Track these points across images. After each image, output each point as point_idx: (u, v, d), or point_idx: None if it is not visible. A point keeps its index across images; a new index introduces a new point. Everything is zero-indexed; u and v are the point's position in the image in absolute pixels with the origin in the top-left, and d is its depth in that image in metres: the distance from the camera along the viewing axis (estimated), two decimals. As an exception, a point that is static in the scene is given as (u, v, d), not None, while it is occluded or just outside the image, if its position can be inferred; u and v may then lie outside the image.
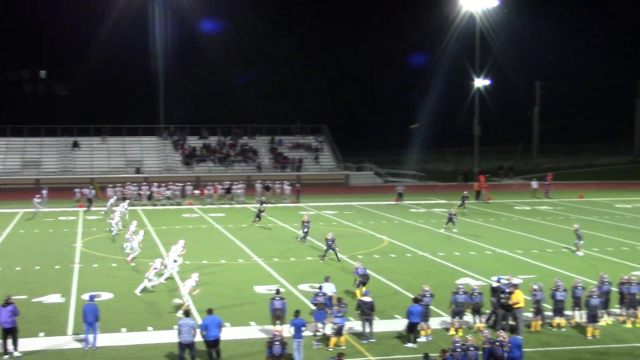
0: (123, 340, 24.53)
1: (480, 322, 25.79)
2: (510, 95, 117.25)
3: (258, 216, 50.38)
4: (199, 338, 22.38)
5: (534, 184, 72.21)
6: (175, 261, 33.34)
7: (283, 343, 21.09)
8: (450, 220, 48.26)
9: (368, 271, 30.70)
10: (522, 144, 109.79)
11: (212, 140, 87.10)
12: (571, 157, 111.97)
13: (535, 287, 26.36)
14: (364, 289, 29.27)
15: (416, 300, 25.07)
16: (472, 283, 30.27)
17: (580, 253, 39.33)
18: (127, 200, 57.05)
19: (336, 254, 37.66)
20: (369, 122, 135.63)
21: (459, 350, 20.19)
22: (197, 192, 66.41)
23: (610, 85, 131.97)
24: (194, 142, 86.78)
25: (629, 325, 26.20)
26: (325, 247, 37.97)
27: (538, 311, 25.90)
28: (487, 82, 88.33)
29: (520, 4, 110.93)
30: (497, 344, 20.87)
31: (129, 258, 37.73)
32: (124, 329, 25.66)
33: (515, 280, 27.28)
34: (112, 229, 45.77)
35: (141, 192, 63.78)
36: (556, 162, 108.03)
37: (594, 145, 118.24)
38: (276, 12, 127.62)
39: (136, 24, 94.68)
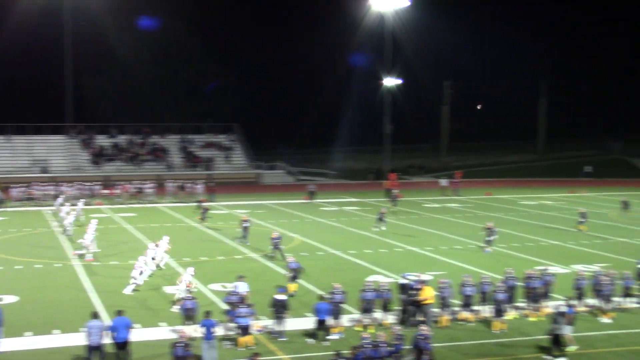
0: (28, 345, 23.84)
1: (389, 319, 26.09)
2: (420, 95, 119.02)
3: (204, 214, 50.35)
4: (107, 340, 21.92)
5: (443, 181, 73.52)
6: (153, 259, 33.36)
7: (186, 345, 20.69)
8: (380, 219, 48.32)
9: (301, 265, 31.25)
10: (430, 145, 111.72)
11: (122, 139, 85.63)
12: (479, 156, 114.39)
13: (442, 283, 26.83)
14: (293, 286, 29.49)
15: (322, 298, 25.24)
16: (382, 280, 30.53)
17: (488, 250, 40.17)
18: (82, 200, 56.04)
19: (281, 253, 37.26)
20: (281, 121, 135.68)
21: (368, 346, 20.36)
22: (106, 191, 65.20)
23: (515, 86, 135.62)
24: (102, 141, 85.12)
25: (533, 318, 26.90)
26: (271, 247, 37.79)
27: (445, 306, 26.37)
28: (398, 81, 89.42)
29: (430, 5, 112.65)
30: (422, 337, 21.23)
31: (89, 257, 37.20)
32: (29, 333, 24.95)
33: (424, 277, 27.67)
34: (67, 229, 45.01)
35: (48, 192, 62.27)
36: (464, 161, 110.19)
37: (501, 143, 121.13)
38: (187, 10, 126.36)
39: (44, 20, 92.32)
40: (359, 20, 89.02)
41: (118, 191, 63.15)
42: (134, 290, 30.47)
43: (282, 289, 25.50)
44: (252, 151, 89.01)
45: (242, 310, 23.90)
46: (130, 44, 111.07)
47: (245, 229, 42.62)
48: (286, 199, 67.22)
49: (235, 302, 24.84)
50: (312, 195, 66.09)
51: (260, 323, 25.20)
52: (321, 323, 24.44)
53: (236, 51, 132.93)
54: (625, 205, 57.34)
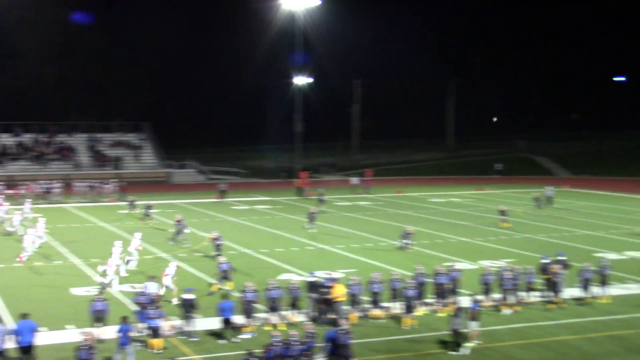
0: None
1: (297, 317, 26.25)
2: (331, 93, 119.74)
3: (148, 215, 49.82)
4: (11, 344, 21.28)
5: (354, 180, 74.16)
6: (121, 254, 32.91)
7: (90, 347, 20.18)
8: (311, 219, 47.89)
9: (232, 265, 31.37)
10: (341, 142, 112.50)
11: (27, 138, 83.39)
12: (389, 154, 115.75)
13: (352, 280, 27.08)
14: (215, 286, 29.21)
15: (226, 296, 25.17)
16: (294, 279, 30.60)
17: (409, 250, 40.21)
18: (29, 200, 54.59)
19: (219, 253, 36.41)
20: (192, 119, 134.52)
21: (278, 344, 20.38)
22: (10, 191, 63.42)
23: (424, 84, 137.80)
24: (6, 139, 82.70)
25: (442, 314, 27.39)
26: (214, 248, 37.07)
27: (355, 304, 26.62)
28: (308, 80, 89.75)
29: (341, 4, 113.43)
30: (342, 331, 21.41)
31: (23, 256, 36.54)
32: None
33: (335, 275, 27.83)
34: (9, 229, 44.52)
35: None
36: (375, 159, 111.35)
37: (410, 141, 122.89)
38: (97, 5, 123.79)
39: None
40: (269, 19, 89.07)
41: (23, 191, 61.54)
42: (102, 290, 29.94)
43: (190, 289, 25.30)
44: (163, 150, 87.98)
45: (152, 311, 23.57)
46: (34, 39, 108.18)
47: (180, 230, 42.06)
48: (197, 198, 66.70)
49: (145, 303, 24.51)
50: (223, 194, 65.75)
51: (171, 324, 24.91)
52: (227, 322, 24.35)
53: (145, 48, 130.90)
54: (538, 201, 58.71)
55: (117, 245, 32.86)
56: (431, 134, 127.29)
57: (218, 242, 36.88)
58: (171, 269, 28.90)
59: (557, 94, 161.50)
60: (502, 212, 49.86)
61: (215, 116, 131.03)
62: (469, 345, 23.45)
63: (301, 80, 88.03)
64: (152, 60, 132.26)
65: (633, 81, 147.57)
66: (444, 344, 23.78)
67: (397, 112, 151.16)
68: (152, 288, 26.43)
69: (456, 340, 23.50)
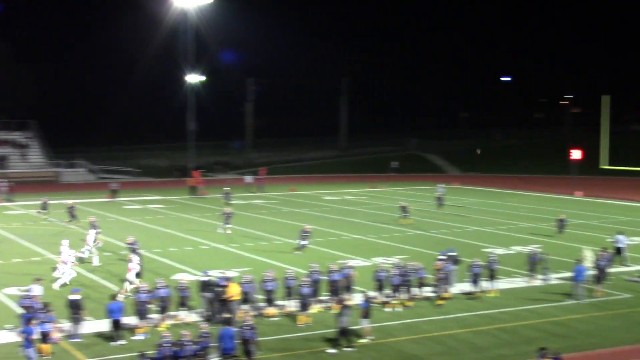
0: None
1: (188, 316, 26.02)
2: (224, 91, 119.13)
3: (73, 216, 48.43)
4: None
5: (248, 178, 73.95)
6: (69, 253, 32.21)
7: None
8: (226, 220, 46.70)
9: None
10: (237, 140, 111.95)
11: None
12: (283, 152, 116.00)
13: (245, 279, 26.97)
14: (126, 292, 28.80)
15: (114, 297, 24.84)
16: (188, 278, 30.27)
17: (299, 252, 39.75)
18: None
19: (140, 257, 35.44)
20: (82, 117, 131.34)
21: (168, 345, 20.06)
22: None
23: (318, 83, 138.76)
24: None
25: (336, 311, 27.60)
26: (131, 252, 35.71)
27: (249, 302, 26.55)
28: (201, 78, 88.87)
29: (234, 3, 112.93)
30: (247, 327, 21.48)
31: None
32: None
33: (229, 274, 27.65)
34: None
35: None
36: (269, 157, 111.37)
37: (304, 140, 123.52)
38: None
39: None
40: (162, 16, 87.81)
41: None
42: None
43: (76, 289, 24.74)
44: (50, 149, 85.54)
45: (42, 315, 22.89)
46: None
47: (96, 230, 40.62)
48: (87, 197, 65.18)
49: (30, 306, 23.75)
50: (114, 193, 64.46)
51: (59, 327, 24.21)
52: (116, 323, 23.89)
53: (30, 43, 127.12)
54: (440, 200, 59.66)
55: (65, 244, 32.47)
56: (325, 133, 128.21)
57: (133, 247, 35.05)
58: (134, 264, 29.69)
59: (447, 93, 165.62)
60: (404, 209, 50.48)
61: (106, 114, 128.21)
62: (362, 342, 23.70)
63: (194, 78, 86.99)
64: (37, 55, 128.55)
65: (518, 81, 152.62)
66: (332, 341, 23.89)
67: (291, 111, 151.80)
68: (36, 291, 25.63)
69: (343, 337, 23.61)
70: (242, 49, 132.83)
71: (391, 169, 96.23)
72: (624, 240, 36.61)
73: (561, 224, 45.72)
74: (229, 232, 45.28)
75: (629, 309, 28.59)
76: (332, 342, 23.78)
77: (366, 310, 24.25)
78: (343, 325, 23.61)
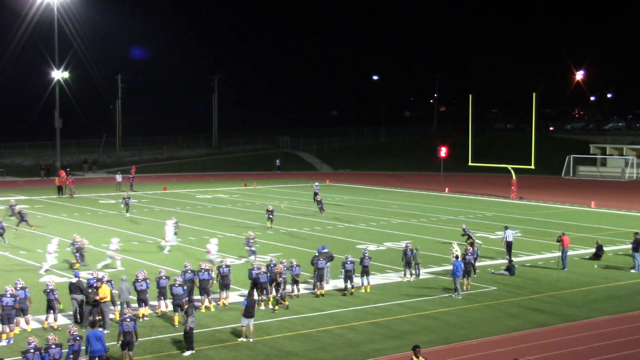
0: None
1: (55, 320, 25.41)
2: (92, 88, 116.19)
3: (23, 219, 45.73)
4: None
5: (118, 177, 72.50)
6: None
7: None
8: (126, 205, 47.26)
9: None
10: (105, 137, 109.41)
11: None
12: (154, 150, 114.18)
13: (122, 279, 26.55)
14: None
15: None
16: (56, 280, 29.47)
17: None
18: None
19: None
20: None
21: (32, 350, 19.38)
22: None
23: (190, 81, 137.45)
24: None
25: (204, 310, 27.53)
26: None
27: (119, 303, 26.18)
28: (66, 74, 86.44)
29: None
30: (127, 319, 21.69)
31: None
32: None
33: (100, 275, 27.05)
34: None
35: None
36: (139, 155, 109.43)
37: (176, 138, 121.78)
38: None
39: None
40: (26, 10, 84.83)
41: None
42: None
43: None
44: None
45: None
46: None
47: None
48: (-54, 198, 62.36)
49: None
50: (-24, 194, 61.90)
51: None
52: None
53: None
54: (316, 199, 59.83)
55: (54, 243, 34.31)
56: (198, 131, 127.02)
57: (50, 253, 34.11)
58: (114, 244, 34.50)
59: (319, 91, 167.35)
60: (270, 212, 49.96)
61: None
62: (241, 341, 23.67)
63: (59, 74, 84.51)
64: None
65: (387, 80, 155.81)
66: (179, 343, 23.73)
67: (163, 109, 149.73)
68: None
69: (187, 339, 23.02)
70: (110, 45, 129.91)
71: (275, 167, 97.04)
72: (512, 235, 37.36)
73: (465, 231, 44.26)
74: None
75: (495, 300, 29.72)
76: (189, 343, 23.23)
77: (246, 309, 24.25)
78: (188, 325, 22.95)
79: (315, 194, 59.10)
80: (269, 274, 28.49)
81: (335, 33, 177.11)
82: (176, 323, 25.65)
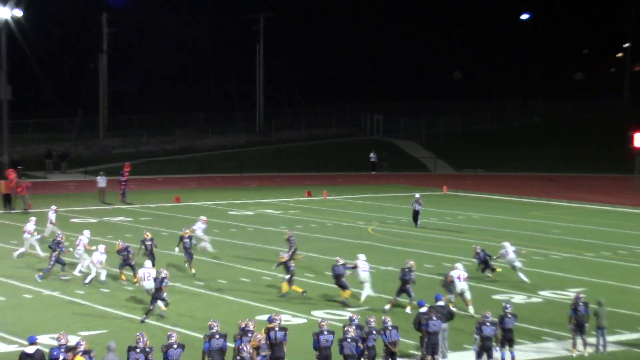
0: None
1: None
2: (61, 35, 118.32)
3: None
4: None
5: (101, 180, 73.25)
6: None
7: None
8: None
9: None
10: (81, 115, 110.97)
11: None
12: (160, 137, 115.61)
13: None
14: None
15: None
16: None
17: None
18: None
19: None
20: None
21: None
22: None
23: (216, 23, 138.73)
24: None
25: None
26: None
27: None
28: (17, 11, 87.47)
29: None
30: None
31: None
32: None
33: (73, 341, 27.33)
34: None
35: None
36: (136, 146, 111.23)
37: (196, 117, 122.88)
38: None
39: None
40: None
41: None
42: None
43: None
44: None
45: None
46: None
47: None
48: None
49: None
50: None
51: None
52: None
53: None
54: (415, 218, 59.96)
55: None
56: (231, 106, 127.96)
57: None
58: (85, 236, 43.28)
59: (429, 42, 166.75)
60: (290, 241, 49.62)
61: None
62: None
63: (8, 12, 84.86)
64: None
65: (544, 21, 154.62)
66: None
67: (174, 69, 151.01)
68: None
69: None
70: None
71: (377, 164, 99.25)
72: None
73: None
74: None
75: None
76: None
77: None
78: None
79: (416, 212, 59.16)
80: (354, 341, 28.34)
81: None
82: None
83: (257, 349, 27.86)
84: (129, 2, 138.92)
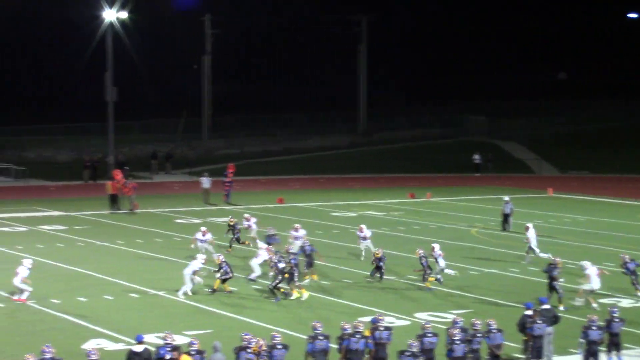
0: None
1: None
2: (164, 37, 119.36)
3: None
4: None
5: (205, 181, 73.81)
6: None
7: None
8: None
9: None
10: (185, 116, 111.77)
11: None
12: (263, 138, 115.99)
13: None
14: None
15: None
16: (106, 346, 30.37)
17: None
18: None
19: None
20: None
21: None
22: None
23: (319, 25, 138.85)
24: None
25: None
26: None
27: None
28: (123, 14, 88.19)
29: None
30: None
31: None
32: None
33: (177, 340, 27.67)
34: None
35: None
36: (240, 147, 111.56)
37: (299, 118, 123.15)
38: None
39: None
40: None
41: None
42: None
43: None
44: None
45: None
46: None
47: None
48: None
49: None
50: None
51: None
52: None
53: None
54: (506, 223, 59.60)
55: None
56: (334, 107, 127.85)
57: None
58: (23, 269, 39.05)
59: (533, 41, 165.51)
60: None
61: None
62: None
63: (114, 15, 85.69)
64: None
65: None
66: None
67: (277, 71, 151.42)
68: None
69: None
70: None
71: (480, 165, 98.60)
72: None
73: None
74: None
75: None
76: None
77: None
78: None
79: (506, 215, 58.66)
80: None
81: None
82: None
83: (257, 354, 27.70)
84: (195, 4, 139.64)
